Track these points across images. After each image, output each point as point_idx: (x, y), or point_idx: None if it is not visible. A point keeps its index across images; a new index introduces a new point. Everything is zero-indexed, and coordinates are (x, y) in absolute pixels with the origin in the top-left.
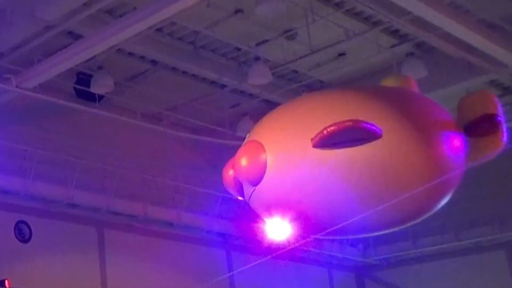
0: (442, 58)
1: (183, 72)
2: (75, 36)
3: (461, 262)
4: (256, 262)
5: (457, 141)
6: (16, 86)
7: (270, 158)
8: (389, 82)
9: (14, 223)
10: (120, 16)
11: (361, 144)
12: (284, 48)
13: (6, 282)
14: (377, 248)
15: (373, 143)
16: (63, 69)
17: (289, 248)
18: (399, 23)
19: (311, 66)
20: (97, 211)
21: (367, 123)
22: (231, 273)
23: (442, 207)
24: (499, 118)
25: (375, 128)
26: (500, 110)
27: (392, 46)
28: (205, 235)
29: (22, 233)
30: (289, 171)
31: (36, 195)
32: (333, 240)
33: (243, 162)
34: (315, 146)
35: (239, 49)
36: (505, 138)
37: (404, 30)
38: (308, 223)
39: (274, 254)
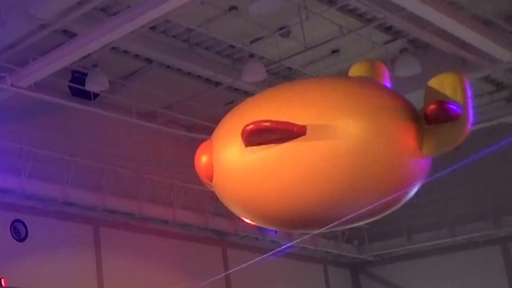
0: (436, 54)
1: (178, 69)
2: (69, 35)
3: (456, 258)
4: (253, 261)
5: (411, 131)
6: (11, 85)
7: (215, 156)
8: (357, 68)
9: (10, 222)
10: (115, 14)
11: (288, 141)
12: (278, 45)
13: (2, 281)
14: (372, 244)
15: (299, 139)
16: (58, 68)
17: (286, 246)
18: (393, 19)
19: (305, 63)
20: (93, 210)
21: (285, 123)
22: (228, 272)
23: (436, 203)
24: (449, 106)
25: (292, 127)
26: (463, 96)
27: (386, 43)
28: (200, 233)
29: (18, 232)
30: (230, 169)
31: (32, 193)
32: (328, 237)
33: (195, 159)
34: (245, 145)
35: (233, 47)
36: (465, 127)
37: (398, 26)
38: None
39: (270, 252)
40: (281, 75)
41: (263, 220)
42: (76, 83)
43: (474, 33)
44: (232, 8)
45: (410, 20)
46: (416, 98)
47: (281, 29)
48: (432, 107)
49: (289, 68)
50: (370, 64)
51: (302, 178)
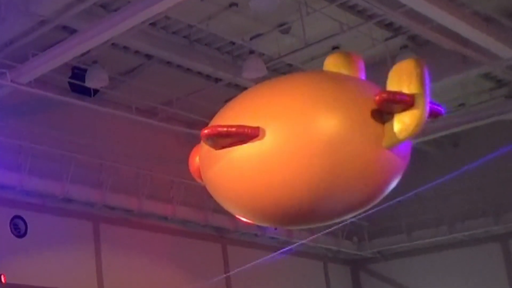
0: (436, 51)
1: (178, 66)
2: (69, 31)
3: (456, 254)
4: (255, 262)
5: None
6: (11, 81)
7: (200, 157)
8: (332, 60)
9: (10, 218)
10: (115, 10)
11: (247, 142)
12: (278, 42)
13: (2, 277)
14: (372, 241)
15: (255, 141)
16: (58, 64)
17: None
18: (393, 16)
19: (305, 60)
20: (93, 206)
21: (237, 126)
22: (224, 263)
23: (436, 200)
24: (399, 97)
25: (244, 129)
26: (418, 82)
27: (386, 39)
28: (200, 229)
29: (18, 228)
30: (207, 170)
31: (32, 190)
32: (328, 233)
33: (189, 162)
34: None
35: (233, 43)
36: (420, 115)
37: (398, 23)
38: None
39: (270, 248)
40: (281, 71)
41: (253, 218)
42: (76, 79)
43: (475, 29)
44: (232, 4)
45: (411, 16)
46: None
47: (281, 25)
48: (376, 98)
49: (289, 65)
50: (346, 56)
51: (279, 174)
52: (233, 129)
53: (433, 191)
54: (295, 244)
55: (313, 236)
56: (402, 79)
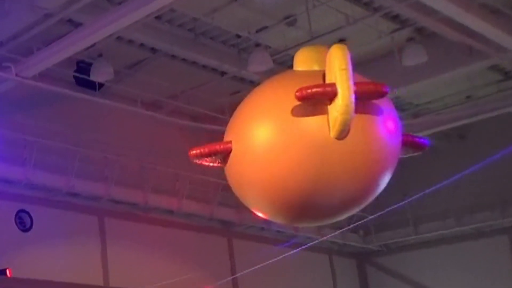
0: (443, 43)
1: (183, 59)
2: (74, 24)
3: (462, 247)
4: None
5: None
6: (16, 75)
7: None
8: (302, 55)
9: (15, 212)
10: (119, 3)
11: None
12: (284, 35)
13: (8, 271)
14: (378, 234)
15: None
16: (63, 58)
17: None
18: (400, 8)
19: None
20: (98, 200)
21: (209, 146)
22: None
23: (442, 193)
24: (314, 91)
25: (216, 148)
26: (339, 70)
27: (393, 32)
28: (206, 223)
29: (23, 222)
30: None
31: (37, 184)
32: (334, 227)
33: None
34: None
35: (239, 36)
36: (343, 104)
37: (404, 15)
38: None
39: (276, 242)
40: (287, 64)
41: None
42: (81, 73)
43: (482, 21)
44: None
45: (417, 8)
46: (423, 87)
47: (287, 18)
48: (296, 95)
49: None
50: (316, 50)
51: (272, 172)
52: (206, 150)
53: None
54: (316, 241)
55: (321, 238)
56: (329, 68)
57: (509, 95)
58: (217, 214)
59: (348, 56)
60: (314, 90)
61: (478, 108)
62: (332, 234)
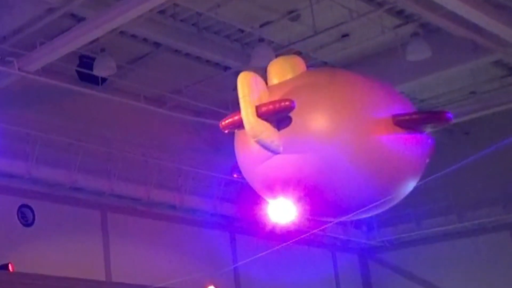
0: (447, 38)
1: (186, 54)
2: (77, 19)
3: (465, 243)
4: (261, 253)
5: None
6: (19, 69)
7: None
8: (276, 65)
9: (17, 207)
10: None
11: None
12: (287, 29)
13: (10, 265)
14: (381, 230)
15: None
16: (66, 52)
17: (293, 231)
18: (404, 3)
19: (315, 47)
20: (101, 195)
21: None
22: (236, 263)
23: (445, 189)
24: (232, 118)
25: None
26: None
27: (397, 27)
28: (208, 218)
29: (25, 217)
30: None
31: (39, 179)
32: (337, 222)
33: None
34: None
35: (242, 31)
36: (244, 122)
37: (408, 10)
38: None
39: (278, 237)
40: None
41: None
42: (84, 68)
43: (486, 16)
44: None
45: (421, 3)
46: (427, 82)
47: (291, 13)
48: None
49: (299, 52)
50: (289, 59)
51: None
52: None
53: (442, 179)
54: (307, 233)
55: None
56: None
57: None
58: (220, 209)
59: (249, 82)
60: (227, 121)
61: (482, 103)
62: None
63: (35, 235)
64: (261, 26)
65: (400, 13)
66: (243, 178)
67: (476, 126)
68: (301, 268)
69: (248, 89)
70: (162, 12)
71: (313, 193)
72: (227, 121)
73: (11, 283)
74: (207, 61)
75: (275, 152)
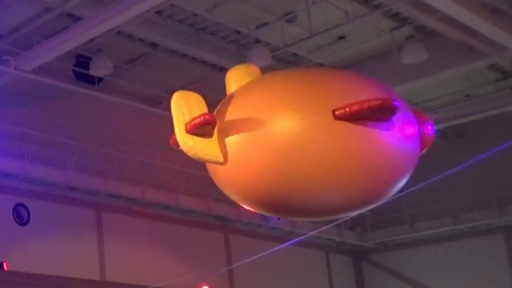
0: (442, 41)
1: (183, 54)
2: (74, 18)
3: (458, 246)
4: (256, 255)
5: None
6: (15, 68)
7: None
8: (234, 74)
9: (13, 206)
10: None
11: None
12: (284, 31)
13: (4, 264)
14: (375, 232)
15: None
16: (62, 51)
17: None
18: (400, 6)
19: (311, 49)
20: (96, 194)
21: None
22: (227, 253)
23: (439, 191)
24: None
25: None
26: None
27: (392, 29)
28: (203, 218)
29: (21, 216)
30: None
31: (35, 177)
32: (331, 224)
33: None
34: None
35: (239, 32)
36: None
37: (404, 13)
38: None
39: (272, 239)
40: (286, 61)
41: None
42: (80, 67)
43: (482, 20)
44: None
45: (417, 6)
46: (422, 85)
47: (287, 14)
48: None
49: (295, 54)
50: (248, 68)
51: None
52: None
53: (436, 182)
54: (303, 236)
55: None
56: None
57: (507, 94)
58: (215, 210)
59: (179, 102)
60: (172, 140)
61: (476, 106)
62: (323, 229)
63: (30, 234)
64: (257, 27)
65: (396, 16)
66: None
67: (470, 129)
68: (294, 269)
69: (178, 109)
70: (158, 12)
71: (272, 197)
72: (172, 139)
73: (5, 282)
74: (203, 61)
75: (218, 163)
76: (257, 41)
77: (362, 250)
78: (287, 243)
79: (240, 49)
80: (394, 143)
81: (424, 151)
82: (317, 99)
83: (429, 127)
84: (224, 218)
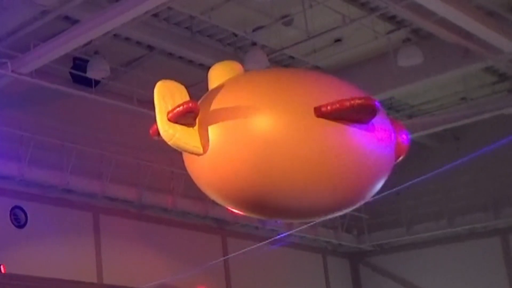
0: (439, 44)
1: (180, 57)
2: (71, 21)
3: (455, 248)
4: (251, 247)
5: None
6: (12, 71)
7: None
8: (216, 71)
9: (10, 209)
10: (117, 1)
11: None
12: (280, 34)
13: (2, 267)
14: (372, 234)
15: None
16: (60, 54)
17: (284, 234)
18: (396, 9)
19: (307, 52)
20: (93, 197)
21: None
22: (226, 257)
23: (436, 194)
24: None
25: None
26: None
27: (389, 32)
28: (200, 221)
29: (18, 219)
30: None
31: (32, 180)
32: (328, 226)
33: None
34: None
35: (235, 35)
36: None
37: (400, 16)
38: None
39: (269, 240)
40: (283, 63)
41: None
42: (78, 70)
43: (478, 23)
44: None
45: (414, 9)
46: (419, 88)
47: (284, 17)
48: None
49: (292, 57)
50: (229, 65)
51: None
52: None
53: (433, 184)
54: (287, 233)
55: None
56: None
57: (503, 97)
58: (212, 212)
59: (163, 91)
60: (152, 129)
61: (473, 109)
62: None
63: (28, 237)
64: (254, 30)
65: (392, 19)
66: None
67: (467, 132)
68: (292, 272)
69: (160, 97)
70: (155, 15)
71: (252, 195)
72: (152, 129)
73: (3, 284)
74: (200, 64)
75: (195, 153)
76: (254, 44)
77: (359, 253)
78: (274, 239)
79: (237, 51)
80: (372, 146)
81: (399, 159)
82: (299, 97)
83: (404, 136)
84: (221, 221)
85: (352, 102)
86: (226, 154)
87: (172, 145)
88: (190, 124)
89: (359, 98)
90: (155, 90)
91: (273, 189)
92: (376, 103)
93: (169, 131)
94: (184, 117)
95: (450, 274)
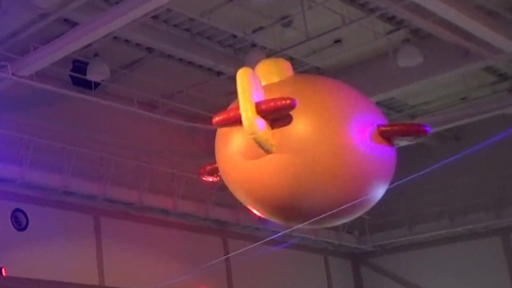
0: (438, 44)
1: (179, 59)
2: (71, 24)
3: (456, 248)
4: (252, 245)
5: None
6: (12, 74)
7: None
8: (263, 67)
9: (11, 211)
10: (116, 3)
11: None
12: (280, 35)
13: (3, 270)
14: (373, 235)
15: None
16: (59, 57)
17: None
18: (396, 9)
19: (307, 53)
20: (94, 199)
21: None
22: (227, 256)
23: (437, 194)
24: (228, 117)
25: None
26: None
27: (388, 33)
28: (201, 223)
29: (19, 221)
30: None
31: (33, 183)
32: (329, 227)
33: None
34: None
35: (235, 36)
36: (244, 125)
37: (400, 16)
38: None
39: (271, 241)
40: None
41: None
42: (77, 73)
43: (477, 23)
44: None
45: (413, 10)
46: (419, 88)
47: (283, 18)
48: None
49: (291, 58)
50: (275, 62)
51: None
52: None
53: (434, 185)
54: (284, 232)
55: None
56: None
57: (504, 97)
58: (212, 214)
59: (249, 79)
60: (221, 117)
61: (473, 109)
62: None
63: (29, 240)
64: (253, 31)
65: (391, 19)
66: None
67: (467, 131)
68: (293, 273)
69: (248, 85)
70: (155, 17)
71: (288, 197)
72: (221, 117)
73: (4, 287)
74: (200, 66)
75: (267, 152)
76: (254, 45)
77: (360, 253)
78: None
79: (236, 53)
80: (391, 160)
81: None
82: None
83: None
84: (222, 222)
85: (412, 128)
86: (287, 159)
87: (252, 139)
88: (268, 121)
89: (418, 125)
90: (240, 77)
91: (310, 198)
92: (427, 128)
93: (255, 124)
94: (276, 113)
95: (451, 274)
